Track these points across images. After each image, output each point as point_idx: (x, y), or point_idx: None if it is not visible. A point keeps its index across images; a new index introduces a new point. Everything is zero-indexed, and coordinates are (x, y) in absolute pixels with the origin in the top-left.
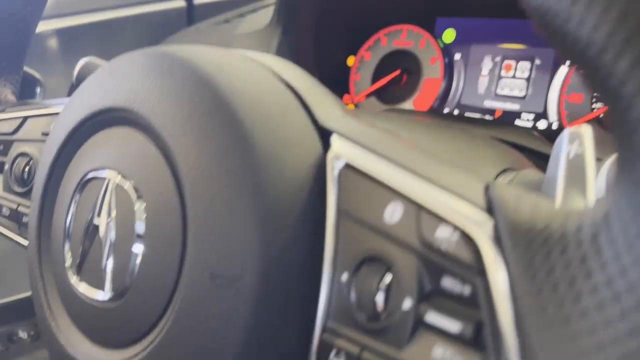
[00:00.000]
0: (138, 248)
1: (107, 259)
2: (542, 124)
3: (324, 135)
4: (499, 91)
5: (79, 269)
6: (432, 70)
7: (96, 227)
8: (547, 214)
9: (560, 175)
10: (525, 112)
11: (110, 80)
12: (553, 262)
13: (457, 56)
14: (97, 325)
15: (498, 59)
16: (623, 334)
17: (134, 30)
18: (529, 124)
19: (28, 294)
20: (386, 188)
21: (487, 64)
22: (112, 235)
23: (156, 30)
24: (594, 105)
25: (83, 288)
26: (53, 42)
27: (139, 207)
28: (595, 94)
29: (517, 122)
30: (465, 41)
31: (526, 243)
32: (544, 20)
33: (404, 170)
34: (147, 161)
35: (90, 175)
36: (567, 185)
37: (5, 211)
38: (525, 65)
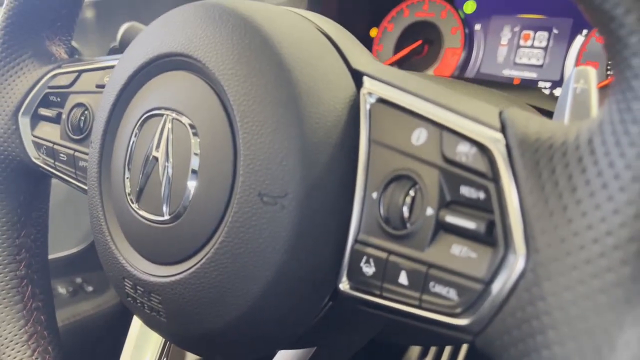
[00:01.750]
0: (193, 177)
1: (165, 187)
2: (559, 92)
3: (356, 76)
4: (518, 60)
5: (139, 196)
6: (452, 40)
7: (155, 159)
8: (552, 128)
9: (568, 107)
10: (543, 80)
11: (166, 30)
12: (555, 164)
13: (477, 26)
14: (154, 244)
15: (517, 29)
16: (616, 228)
17: (166, 3)
18: (547, 92)
19: (66, 253)
20: (413, 115)
21: (506, 34)
22: (170, 165)
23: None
24: (608, 72)
25: (142, 212)
26: (88, 13)
27: (195, 141)
28: (608, 62)
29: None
30: (485, 12)
31: (532, 151)
32: None
33: (428, 101)
34: (202, 100)
35: (149, 114)
36: (573, 116)
37: (63, 157)
38: (543, 35)
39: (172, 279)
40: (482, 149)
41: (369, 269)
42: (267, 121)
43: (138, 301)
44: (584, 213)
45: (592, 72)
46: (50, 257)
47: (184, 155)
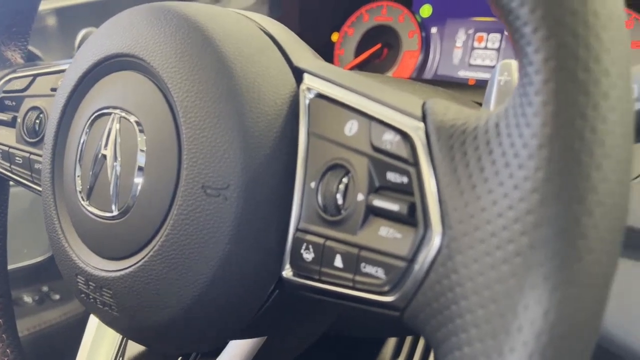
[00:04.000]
0: (140, 172)
1: (113, 183)
2: None
3: (297, 73)
4: (472, 61)
5: (89, 193)
6: (410, 43)
7: (104, 157)
8: (467, 114)
9: (492, 98)
10: None
11: (114, 31)
12: (467, 147)
13: (434, 30)
14: (104, 240)
15: (471, 31)
16: (516, 202)
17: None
18: None
19: (32, 261)
20: (346, 108)
21: (461, 37)
22: (118, 162)
23: None
24: None
25: (92, 209)
26: (52, 21)
27: (141, 139)
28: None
29: None
30: (441, 15)
31: (447, 136)
32: None
33: (360, 94)
34: (148, 98)
35: (98, 113)
36: (497, 103)
37: (19, 160)
38: (495, 36)
39: (122, 272)
40: (405, 136)
41: (308, 255)
42: (209, 116)
43: (91, 297)
44: (490, 190)
45: (514, 65)
46: (15, 266)
47: (131, 153)
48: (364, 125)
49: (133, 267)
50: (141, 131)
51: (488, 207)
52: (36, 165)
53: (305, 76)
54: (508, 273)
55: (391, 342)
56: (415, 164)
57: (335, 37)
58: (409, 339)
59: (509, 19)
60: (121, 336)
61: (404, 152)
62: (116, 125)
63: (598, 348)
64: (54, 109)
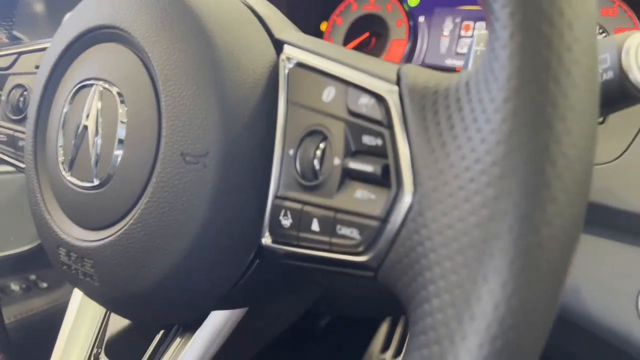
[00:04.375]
0: (120, 143)
1: (94, 154)
2: None
3: (277, 45)
4: (459, 50)
5: (71, 165)
6: (398, 32)
7: (85, 127)
8: (440, 77)
9: (469, 66)
10: None
11: (95, 4)
12: (438, 106)
13: (421, 19)
14: (85, 210)
15: (458, 20)
16: (483, 155)
17: None
18: None
19: (19, 249)
20: (324, 75)
21: (448, 25)
22: (99, 132)
23: None
24: None
25: (73, 180)
26: (38, 7)
27: (122, 110)
28: None
29: None
30: (428, 4)
31: (420, 97)
32: None
33: (337, 62)
34: (129, 69)
35: (80, 85)
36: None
37: (2, 137)
38: (482, 25)
39: (102, 242)
40: (380, 99)
41: (286, 221)
42: (189, 84)
43: (72, 268)
44: (459, 146)
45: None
46: (3, 254)
47: (112, 123)
48: (341, 91)
49: (113, 236)
50: (122, 102)
51: (457, 163)
52: (20, 143)
53: (286, 47)
54: (474, 224)
55: (381, 335)
56: (389, 126)
57: (324, 26)
58: (398, 333)
59: None
60: (103, 317)
61: (378, 114)
62: (97, 97)
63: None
64: (36, 82)
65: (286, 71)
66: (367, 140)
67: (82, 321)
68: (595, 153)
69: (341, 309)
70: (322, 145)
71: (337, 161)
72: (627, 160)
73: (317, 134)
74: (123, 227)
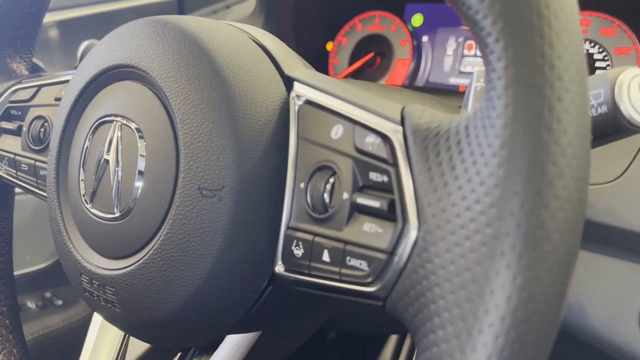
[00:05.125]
0: (140, 176)
1: (115, 186)
2: None
3: (287, 81)
4: (462, 69)
5: (92, 197)
6: (402, 51)
7: (106, 161)
8: (441, 118)
9: (470, 103)
10: None
11: (115, 44)
12: (440, 147)
13: (425, 38)
14: (107, 240)
15: (461, 39)
16: (482, 196)
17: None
18: None
19: (34, 268)
20: (333, 114)
21: (451, 45)
22: (120, 166)
23: None
24: None
25: (95, 211)
26: (54, 33)
27: (141, 144)
28: None
29: None
30: (432, 25)
31: (422, 138)
32: None
33: (344, 101)
34: (147, 106)
35: (101, 121)
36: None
37: (24, 167)
38: None
39: (124, 271)
40: (385, 139)
41: (298, 251)
42: (205, 122)
43: (94, 295)
44: (460, 186)
45: None
46: (19, 272)
47: (131, 157)
48: (348, 129)
49: (134, 265)
50: (141, 137)
51: (458, 202)
52: (41, 172)
53: (295, 84)
54: (475, 261)
55: (389, 348)
56: (395, 164)
57: (330, 46)
58: (406, 345)
59: (475, 30)
60: (122, 339)
61: (384, 153)
62: (118, 132)
63: (561, 333)
64: (58, 117)
65: (296, 108)
66: (374, 176)
67: (103, 343)
68: (587, 192)
69: (349, 327)
70: (331, 180)
71: (345, 195)
72: (628, 179)
73: (326, 169)
74: (143, 256)
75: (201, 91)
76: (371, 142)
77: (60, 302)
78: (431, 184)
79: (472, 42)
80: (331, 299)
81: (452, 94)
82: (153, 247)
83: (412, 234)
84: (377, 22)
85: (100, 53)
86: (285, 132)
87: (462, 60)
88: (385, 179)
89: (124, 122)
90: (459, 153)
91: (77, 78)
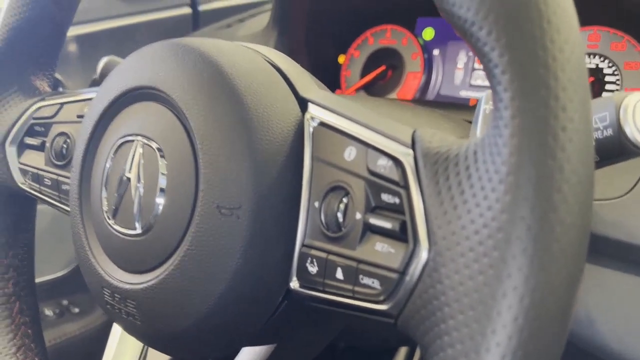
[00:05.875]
0: (161, 194)
1: (137, 203)
2: None
3: (302, 103)
4: (473, 82)
5: (114, 213)
6: (413, 65)
7: (128, 179)
8: (450, 142)
9: (478, 125)
10: None
11: (137, 65)
12: (449, 172)
13: (436, 52)
14: (128, 255)
15: (471, 53)
16: (489, 221)
17: (145, 36)
18: None
19: (52, 276)
20: (346, 136)
21: (462, 58)
22: (141, 185)
23: (165, 35)
24: None
25: (117, 227)
26: (72, 47)
27: (162, 163)
28: None
29: None
30: (443, 38)
31: (433, 162)
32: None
33: (357, 123)
34: (168, 127)
35: (122, 140)
36: (482, 132)
37: (47, 181)
38: None
39: (145, 285)
40: (397, 162)
41: (313, 268)
42: (223, 143)
43: (116, 307)
44: (469, 210)
45: None
46: (36, 280)
47: (153, 176)
48: (361, 152)
49: (155, 280)
50: (162, 156)
51: (467, 225)
52: (63, 187)
53: (310, 106)
54: (483, 283)
55: (401, 355)
56: (406, 186)
57: (341, 59)
58: (417, 353)
59: (483, 60)
60: (142, 348)
61: (395, 176)
62: (139, 151)
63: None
64: (81, 135)
65: (311, 129)
66: (386, 198)
67: (124, 352)
68: (591, 215)
69: (359, 340)
70: (344, 200)
71: (358, 216)
72: (637, 194)
73: (340, 189)
74: (164, 272)
75: (220, 114)
76: (383, 165)
77: (77, 310)
78: (441, 207)
79: None
80: (344, 314)
81: (461, 107)
82: (173, 262)
83: (423, 255)
84: (388, 36)
85: (122, 74)
86: (300, 152)
87: (472, 74)
88: (397, 200)
89: (145, 141)
90: (467, 178)
91: (100, 98)
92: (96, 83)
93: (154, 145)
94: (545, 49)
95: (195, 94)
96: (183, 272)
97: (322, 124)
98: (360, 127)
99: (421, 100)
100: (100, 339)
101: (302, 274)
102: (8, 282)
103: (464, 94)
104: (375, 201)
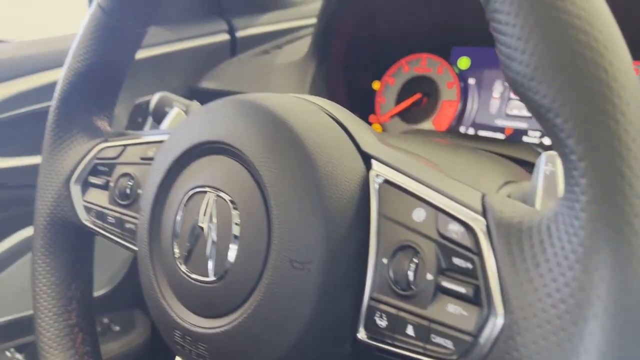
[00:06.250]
0: (234, 244)
1: (210, 252)
2: (546, 140)
3: (365, 158)
4: (509, 111)
5: (186, 259)
6: (449, 93)
7: (201, 228)
8: (522, 213)
9: (539, 188)
10: (532, 129)
11: (207, 120)
12: (523, 244)
13: (472, 81)
14: (200, 301)
15: (507, 83)
16: (567, 297)
17: (184, 62)
18: (536, 140)
19: (93, 294)
20: (414, 197)
21: (498, 88)
22: (214, 234)
23: (203, 61)
24: None
25: (189, 273)
26: None
27: (234, 214)
28: None
29: (525, 138)
30: (479, 68)
31: (506, 233)
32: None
33: (425, 185)
34: (239, 180)
35: (194, 191)
36: (544, 195)
37: (111, 219)
38: None
39: (217, 330)
40: (469, 228)
41: (382, 322)
42: (295, 200)
43: (186, 349)
44: (545, 284)
45: (557, 157)
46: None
47: (226, 226)
48: (430, 214)
49: (227, 326)
50: (235, 208)
51: (543, 299)
52: (127, 225)
53: (374, 163)
54: (560, 355)
55: None
56: (479, 253)
57: (376, 85)
58: None
59: (559, 144)
60: None
61: (468, 242)
62: (212, 202)
63: None
64: (150, 183)
65: (376, 186)
66: (458, 262)
67: None
68: None
69: None
70: (415, 260)
71: (430, 277)
72: None
73: (409, 248)
74: (236, 318)
75: (291, 170)
76: (455, 230)
77: (117, 328)
78: (517, 278)
79: None
80: None
81: (496, 141)
82: (246, 310)
83: (499, 321)
84: (423, 64)
85: (191, 127)
86: (367, 208)
87: (508, 103)
88: (470, 265)
89: (218, 193)
90: (542, 252)
91: (170, 148)
92: (140, 109)
93: (227, 197)
94: (620, 140)
95: (266, 150)
96: (255, 319)
97: (387, 182)
98: (428, 190)
99: (457, 132)
100: (142, 357)
101: (371, 326)
102: (71, 314)
103: (500, 122)
104: (447, 264)
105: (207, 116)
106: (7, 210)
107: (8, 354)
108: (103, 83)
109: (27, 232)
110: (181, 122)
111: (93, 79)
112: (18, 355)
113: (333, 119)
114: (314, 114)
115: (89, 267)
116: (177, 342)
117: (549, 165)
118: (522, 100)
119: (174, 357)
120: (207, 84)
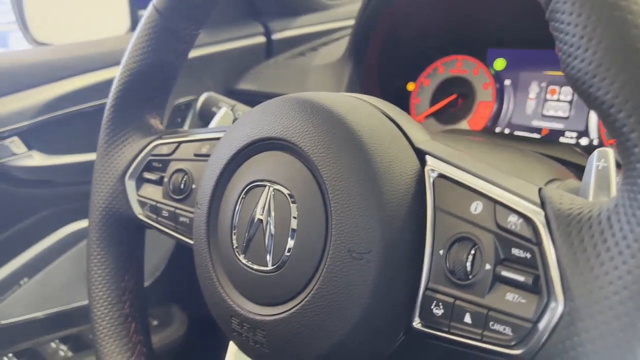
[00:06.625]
0: (293, 234)
1: (269, 242)
2: (584, 141)
3: (419, 154)
4: (545, 112)
5: (245, 249)
6: (484, 94)
7: (260, 220)
8: (580, 204)
9: (592, 182)
10: (569, 130)
11: (265, 118)
12: (583, 234)
13: (507, 82)
14: (259, 289)
15: (544, 84)
16: (630, 284)
17: (221, 64)
18: (572, 141)
19: None
20: (471, 190)
21: (534, 89)
22: (272, 226)
23: (240, 63)
24: None
25: (248, 263)
26: None
27: (293, 207)
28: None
29: (562, 139)
30: (514, 69)
31: (566, 224)
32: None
33: (481, 179)
34: (298, 175)
35: (253, 184)
36: (596, 189)
37: (165, 213)
38: (568, 89)
39: (275, 317)
40: (527, 220)
41: (438, 311)
42: (353, 194)
43: (243, 335)
44: (606, 272)
45: (610, 153)
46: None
47: (284, 218)
48: (488, 207)
49: (285, 313)
50: (293, 202)
51: (605, 286)
52: (181, 219)
53: (428, 158)
54: (623, 339)
55: None
56: (539, 243)
57: (411, 86)
58: None
59: (621, 139)
60: None
61: (527, 233)
62: (271, 195)
63: None
64: (207, 177)
65: (431, 180)
66: (516, 252)
67: None
68: None
69: None
70: (473, 251)
71: (488, 267)
72: None
73: (466, 240)
74: (294, 306)
75: (349, 166)
76: (514, 222)
77: (156, 323)
78: (577, 267)
79: (555, 87)
80: (466, 353)
81: (532, 140)
82: (304, 298)
83: (559, 308)
84: (459, 65)
85: (250, 124)
86: (422, 202)
87: (544, 104)
88: (529, 255)
89: (276, 187)
90: (602, 242)
91: (227, 144)
92: (180, 109)
93: (285, 191)
94: None
95: (326, 148)
96: (313, 307)
97: (442, 176)
98: (485, 183)
99: (493, 131)
100: (179, 351)
101: (426, 315)
102: (125, 304)
103: (536, 123)
104: (505, 254)
105: (264, 114)
106: (55, 207)
107: (53, 345)
108: (157, 83)
109: (71, 227)
110: (238, 120)
111: (147, 78)
112: (62, 347)
113: (386, 116)
114: (369, 112)
115: (140, 260)
116: (235, 329)
117: (602, 161)
118: (582, 96)
119: (209, 355)
120: (244, 85)
